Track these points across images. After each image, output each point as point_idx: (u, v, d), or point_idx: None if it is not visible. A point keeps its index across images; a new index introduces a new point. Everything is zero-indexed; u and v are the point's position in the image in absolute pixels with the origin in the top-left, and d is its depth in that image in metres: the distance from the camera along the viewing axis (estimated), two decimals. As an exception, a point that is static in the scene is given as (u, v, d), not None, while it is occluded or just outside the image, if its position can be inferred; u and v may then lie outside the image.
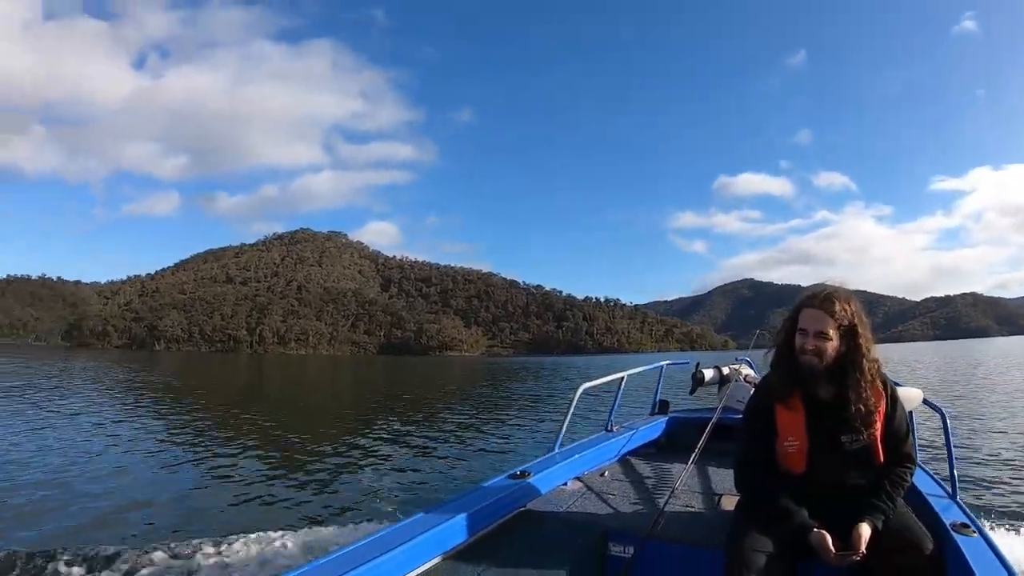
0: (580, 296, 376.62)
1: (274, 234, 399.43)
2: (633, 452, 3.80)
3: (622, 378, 3.99)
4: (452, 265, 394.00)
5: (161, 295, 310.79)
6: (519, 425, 12.49)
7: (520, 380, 30.85)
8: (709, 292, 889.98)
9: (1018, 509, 5.35)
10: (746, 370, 4.47)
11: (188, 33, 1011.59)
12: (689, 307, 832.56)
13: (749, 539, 1.82)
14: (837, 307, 1.95)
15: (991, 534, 2.06)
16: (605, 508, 2.67)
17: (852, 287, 2.08)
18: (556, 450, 3.21)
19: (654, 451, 3.97)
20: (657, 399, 4.66)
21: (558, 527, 2.39)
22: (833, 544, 1.76)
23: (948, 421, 2.75)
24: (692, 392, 4.34)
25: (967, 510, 2.29)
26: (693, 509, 2.68)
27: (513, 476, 2.65)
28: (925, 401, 2.81)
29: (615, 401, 4.02)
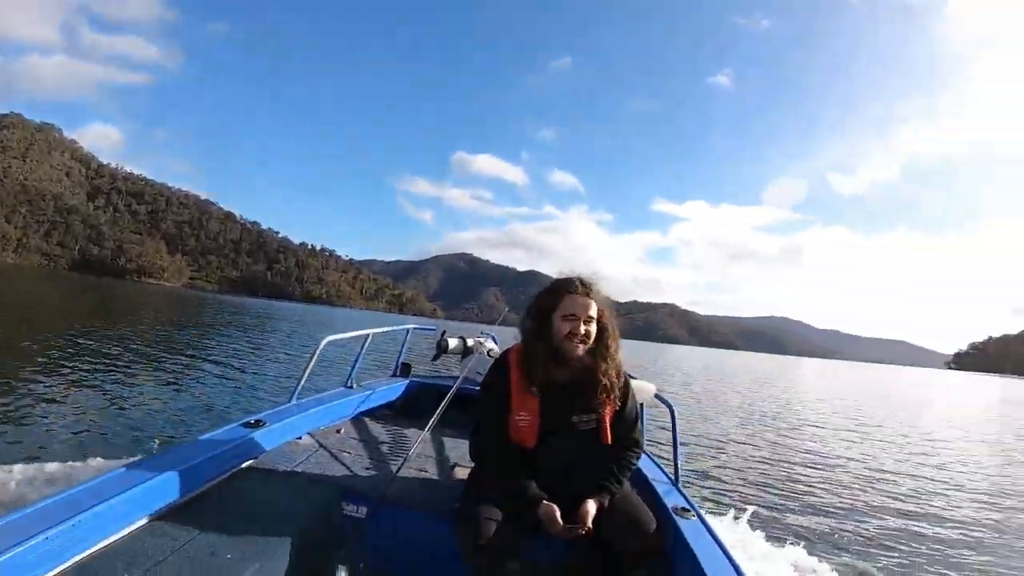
0: (297, 241, 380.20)
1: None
2: (371, 412, 3.74)
3: (367, 336, 3.94)
4: (170, 185, 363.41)
5: None
6: (254, 372, 11.60)
7: (239, 323, 28.25)
8: (427, 260, 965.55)
9: (729, 498, 6.06)
10: (490, 344, 4.48)
11: None
12: (406, 270, 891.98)
13: (478, 508, 1.85)
14: (596, 290, 2.02)
15: (708, 517, 2.22)
16: (340, 466, 2.57)
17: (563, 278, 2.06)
18: (293, 401, 3.07)
19: (392, 413, 3.95)
20: (400, 361, 4.64)
21: (291, 482, 2.29)
22: (561, 518, 1.81)
23: (676, 415, 2.93)
24: (435, 359, 4.34)
25: (687, 496, 2.45)
26: (428, 474, 2.66)
27: (247, 425, 2.51)
28: (657, 395, 2.93)
29: (358, 358, 3.90)
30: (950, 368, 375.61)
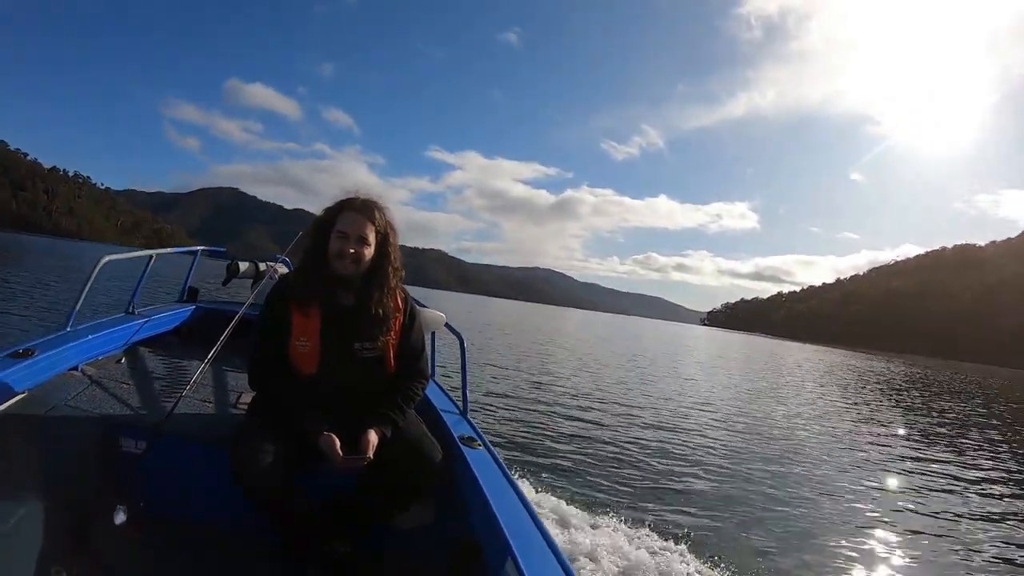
0: (47, 165, 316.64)
1: None
2: (154, 339, 3.48)
3: (151, 256, 3.70)
4: None
5: None
6: (25, 297, 10.80)
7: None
8: (191, 192, 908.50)
9: (512, 428, 6.38)
10: (283, 268, 4.19)
11: None
12: (168, 203, 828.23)
13: (256, 439, 1.79)
14: (376, 214, 1.96)
15: (495, 448, 2.22)
16: (118, 399, 2.40)
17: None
18: (68, 328, 2.79)
19: (178, 340, 3.74)
20: (187, 286, 4.39)
21: (66, 416, 2.13)
22: (341, 449, 1.76)
23: (465, 346, 2.89)
24: (225, 283, 4.11)
25: (475, 426, 2.45)
26: (212, 404, 2.55)
27: (14, 355, 2.26)
28: (447, 325, 2.92)
29: (140, 281, 3.64)
30: (704, 324, 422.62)
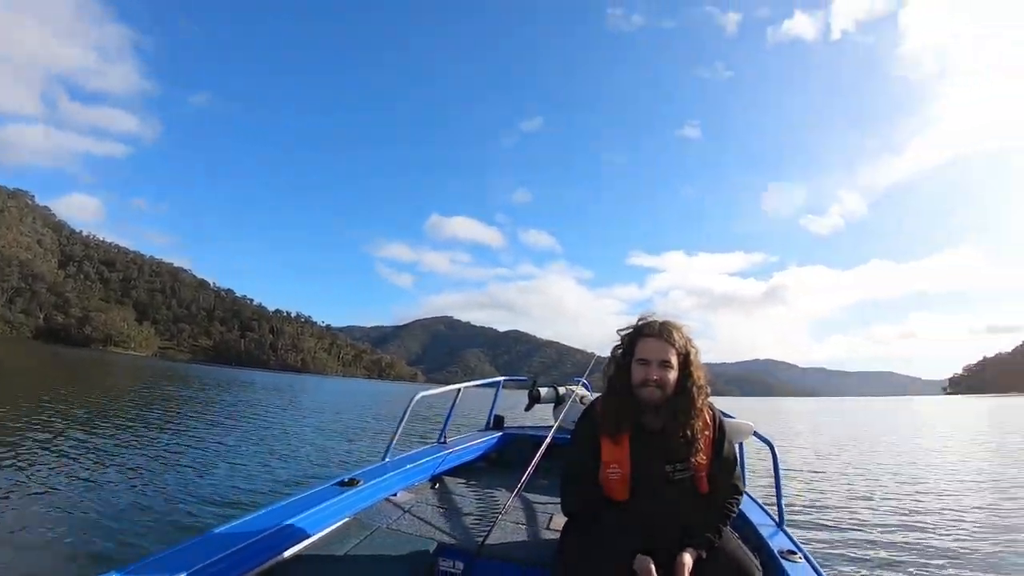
0: (271, 308, 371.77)
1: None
2: (466, 466, 3.73)
3: (458, 390, 3.94)
4: (143, 253, 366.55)
5: None
6: (346, 434, 12.30)
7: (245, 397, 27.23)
8: (408, 324, 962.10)
9: (839, 537, 5.96)
10: (582, 391, 4.36)
11: None
12: (387, 336, 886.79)
13: (574, 561, 1.83)
14: (676, 336, 1.94)
15: (816, 560, 2.14)
16: (436, 521, 2.59)
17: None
18: (387, 459, 3.08)
19: (487, 466, 3.93)
20: (493, 414, 4.61)
21: (388, 539, 2.31)
22: (657, 571, 1.74)
23: (777, 454, 2.84)
24: (528, 409, 4.24)
25: (793, 537, 2.38)
26: (524, 527, 2.64)
27: (341, 483, 2.53)
28: (756, 434, 2.89)
29: (449, 413, 3.93)
30: (947, 393, 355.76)
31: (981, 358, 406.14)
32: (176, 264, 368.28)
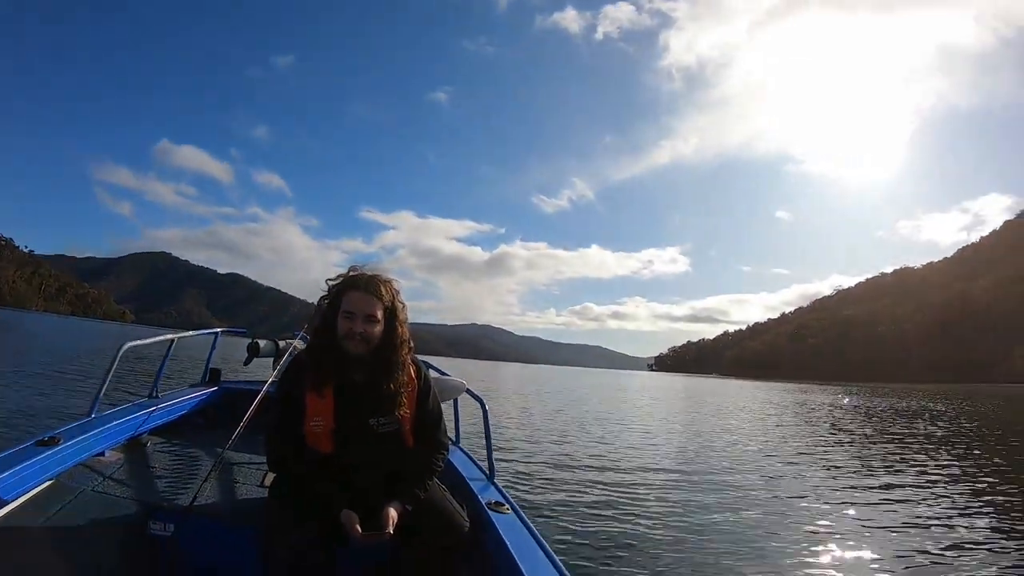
0: None
1: None
2: (180, 421, 3.55)
3: (172, 340, 3.78)
4: None
5: None
6: (41, 384, 10.66)
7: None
8: (124, 258, 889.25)
9: (546, 490, 6.44)
10: (303, 345, 4.09)
11: None
12: (100, 269, 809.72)
13: (281, 519, 1.82)
14: (383, 290, 1.95)
15: (523, 512, 2.21)
16: (146, 482, 2.46)
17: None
18: (93, 415, 2.81)
19: (203, 421, 3.81)
20: (209, 367, 4.44)
21: (94, 503, 2.14)
22: (361, 525, 1.75)
23: (488, 411, 2.93)
24: (247, 363, 4.15)
25: (502, 490, 2.45)
26: (237, 484, 2.58)
27: (41, 443, 2.27)
28: (468, 391, 2.98)
29: (162, 365, 3.74)
30: (652, 370, 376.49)
31: (685, 342, 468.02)
32: None
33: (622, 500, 6.40)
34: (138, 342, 3.27)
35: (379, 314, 1.93)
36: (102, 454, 2.65)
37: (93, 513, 2.09)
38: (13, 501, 1.95)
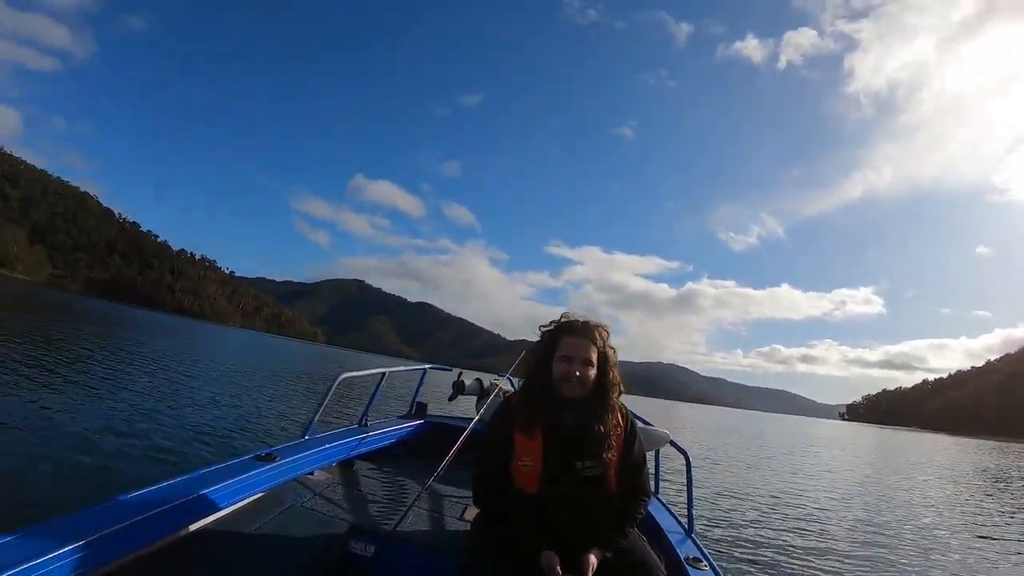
0: (176, 247, 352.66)
1: None
2: (386, 450, 3.72)
3: (383, 374, 3.96)
4: (50, 173, 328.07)
5: None
6: (259, 404, 11.59)
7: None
8: (319, 283, 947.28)
9: (745, 548, 6.10)
10: (507, 386, 4.22)
11: None
12: (297, 292, 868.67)
13: (481, 553, 1.86)
14: (598, 334, 1.99)
15: (720, 568, 2.18)
16: (351, 503, 2.59)
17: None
18: (307, 436, 3.02)
19: (407, 452, 3.96)
20: (416, 401, 4.63)
21: (301, 518, 2.29)
22: (561, 567, 1.74)
23: (691, 463, 2.91)
24: (451, 399, 4.22)
25: (700, 546, 2.42)
26: (437, 515, 2.65)
27: (259, 458, 2.48)
28: (672, 442, 2.91)
29: (373, 396, 3.91)
30: (844, 419, 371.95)
31: (881, 390, 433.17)
32: (84, 190, 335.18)
33: (826, 571, 6.01)
34: (353, 373, 3.46)
35: (594, 358, 1.96)
36: (312, 473, 2.85)
37: (300, 526, 2.24)
38: (226, 509, 2.12)
